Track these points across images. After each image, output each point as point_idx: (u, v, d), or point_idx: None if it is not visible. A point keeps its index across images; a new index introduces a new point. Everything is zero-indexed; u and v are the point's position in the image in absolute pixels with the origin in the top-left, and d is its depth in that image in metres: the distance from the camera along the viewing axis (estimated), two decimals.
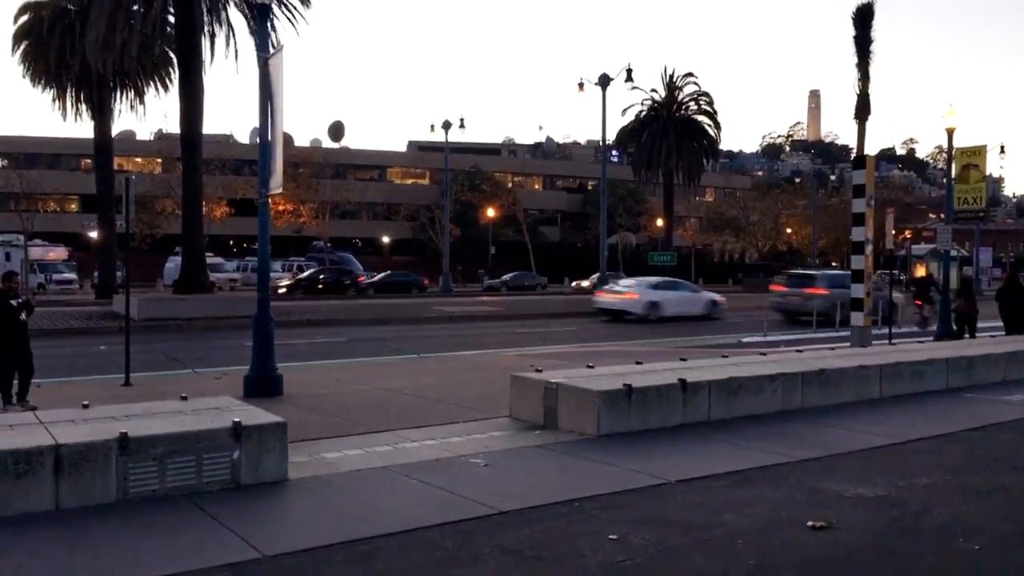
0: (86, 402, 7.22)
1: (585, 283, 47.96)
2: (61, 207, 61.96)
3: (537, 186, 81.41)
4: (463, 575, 4.48)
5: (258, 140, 11.17)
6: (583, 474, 6.73)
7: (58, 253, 50.18)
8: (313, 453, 7.33)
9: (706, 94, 52.80)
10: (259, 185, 11.27)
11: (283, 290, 41.36)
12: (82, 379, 12.86)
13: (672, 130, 50.05)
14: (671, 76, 52.50)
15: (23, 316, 9.99)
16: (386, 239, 68.34)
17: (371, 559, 4.72)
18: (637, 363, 10.39)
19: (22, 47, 32.61)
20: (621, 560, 4.71)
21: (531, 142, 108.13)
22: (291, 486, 6.32)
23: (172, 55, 30.07)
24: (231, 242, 61.68)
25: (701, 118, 52.65)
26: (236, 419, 6.29)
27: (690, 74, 52.79)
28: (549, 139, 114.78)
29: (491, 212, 60.45)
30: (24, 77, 33.03)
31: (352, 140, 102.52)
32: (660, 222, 56.16)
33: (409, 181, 75.87)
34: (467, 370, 13.53)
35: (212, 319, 23.24)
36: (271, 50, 11.28)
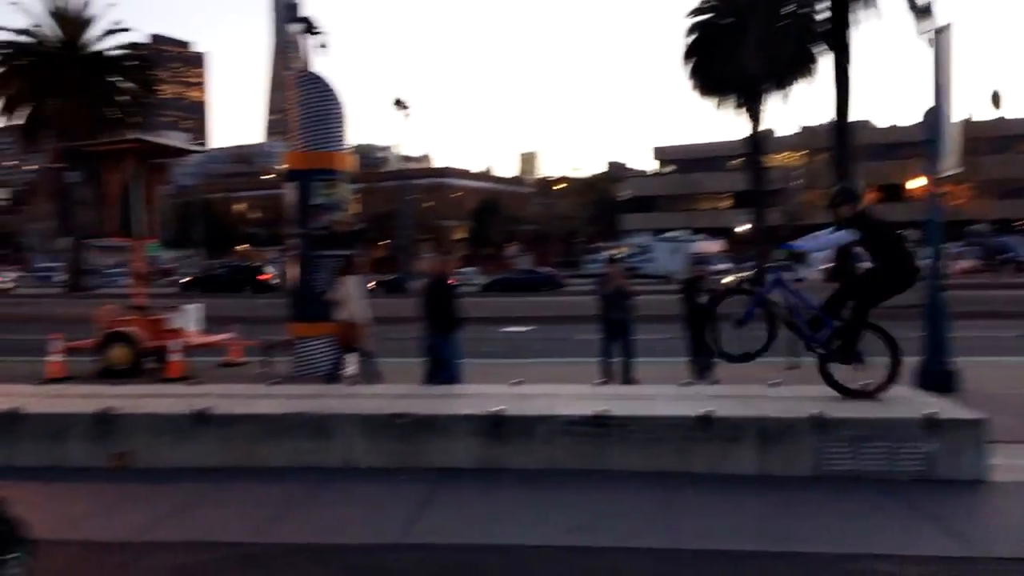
0: (777, 380, 7.91)
1: None
2: (715, 204, 68.64)
3: None
4: None
5: (934, 119, 10.67)
6: None
7: (714, 246, 55.98)
8: (1009, 456, 6.65)
9: None
10: (928, 166, 10.73)
11: None
12: (761, 361, 13.93)
13: None
14: None
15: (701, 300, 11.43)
16: None
17: None
18: None
19: (691, 64, 37.10)
20: None
21: None
22: (992, 488, 5.87)
23: (811, 50, 30.83)
24: None
25: None
26: (930, 411, 6.12)
27: None
28: None
29: None
30: (694, 90, 37.49)
31: (1012, 109, 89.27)
32: None
33: None
34: None
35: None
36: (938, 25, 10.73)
